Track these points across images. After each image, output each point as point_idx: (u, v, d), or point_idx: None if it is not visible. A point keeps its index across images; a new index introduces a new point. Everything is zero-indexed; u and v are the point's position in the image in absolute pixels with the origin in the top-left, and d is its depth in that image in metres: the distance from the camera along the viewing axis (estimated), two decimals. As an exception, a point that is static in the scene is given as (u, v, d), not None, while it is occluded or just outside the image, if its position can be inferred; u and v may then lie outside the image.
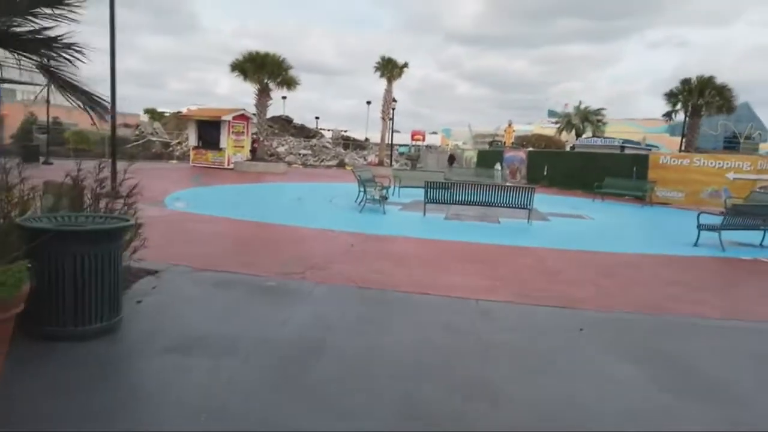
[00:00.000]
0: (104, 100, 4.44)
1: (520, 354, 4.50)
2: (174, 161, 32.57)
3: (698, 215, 10.30)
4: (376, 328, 4.85)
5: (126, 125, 44.45)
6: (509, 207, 12.75)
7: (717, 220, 10.42)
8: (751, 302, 6.63)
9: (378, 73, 31.20)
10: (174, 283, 5.88)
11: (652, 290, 6.85)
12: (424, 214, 12.90)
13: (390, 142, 35.14)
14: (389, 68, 30.76)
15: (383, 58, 30.84)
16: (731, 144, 64.45)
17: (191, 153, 29.31)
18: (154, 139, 37.89)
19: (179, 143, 36.71)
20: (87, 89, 4.35)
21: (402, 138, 59.87)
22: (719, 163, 18.15)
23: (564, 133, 43.88)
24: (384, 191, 13.94)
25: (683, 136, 26.54)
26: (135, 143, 35.39)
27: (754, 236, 10.70)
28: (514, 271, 7.50)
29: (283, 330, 4.63)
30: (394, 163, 36.76)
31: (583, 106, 42.37)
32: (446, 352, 4.41)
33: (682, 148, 27.46)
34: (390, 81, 31.21)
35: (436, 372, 3.99)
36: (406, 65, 31.12)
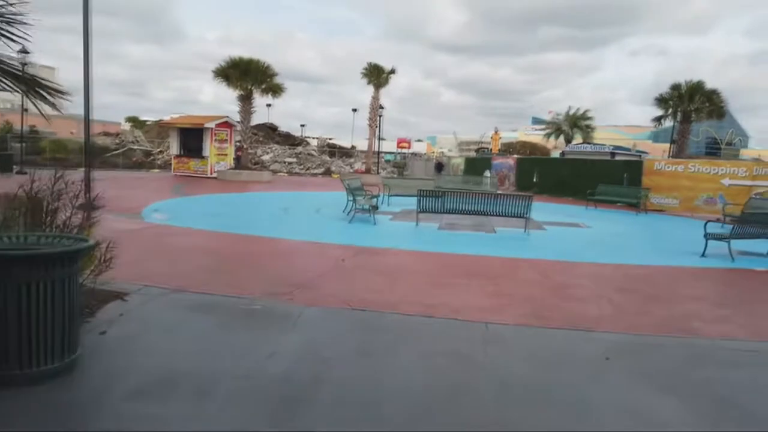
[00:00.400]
0: (52, 83, 3.76)
1: (542, 389, 3.91)
2: (155, 170, 31.69)
3: (705, 224, 9.84)
4: (376, 361, 4.23)
5: (106, 134, 43.46)
6: (505, 216, 12.23)
7: (718, 228, 10.03)
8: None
9: (365, 80, 30.71)
10: (145, 308, 5.22)
11: (671, 307, 6.32)
12: (417, 223, 12.33)
13: (377, 149, 34.60)
14: (376, 75, 30.26)
15: (370, 65, 30.36)
16: (712, 150, 65.05)
17: (173, 162, 28.50)
18: (135, 147, 36.94)
19: (161, 152, 35.83)
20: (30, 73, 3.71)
21: (388, 146, 59.53)
22: (714, 169, 17.83)
23: (552, 139, 43.69)
24: (374, 200, 13.38)
25: (672, 141, 26.36)
26: (115, 152, 34.46)
27: (756, 245, 10.27)
28: (520, 287, 6.93)
29: (269, 365, 4.00)
30: (381, 170, 36.22)
31: (572, 112, 42.22)
32: (460, 389, 3.82)
33: (672, 153, 27.30)
34: (377, 88, 30.71)
35: (452, 415, 3.39)
36: (393, 71, 30.67)
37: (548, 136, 43.45)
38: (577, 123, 40.82)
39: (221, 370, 3.85)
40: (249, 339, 4.57)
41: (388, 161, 48.59)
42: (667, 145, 42.27)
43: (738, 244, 9.98)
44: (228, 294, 5.76)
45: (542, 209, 15.97)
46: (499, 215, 12.33)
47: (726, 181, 17.28)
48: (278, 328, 4.88)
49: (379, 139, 34.50)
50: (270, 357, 4.13)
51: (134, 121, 56.65)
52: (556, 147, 43.18)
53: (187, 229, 10.32)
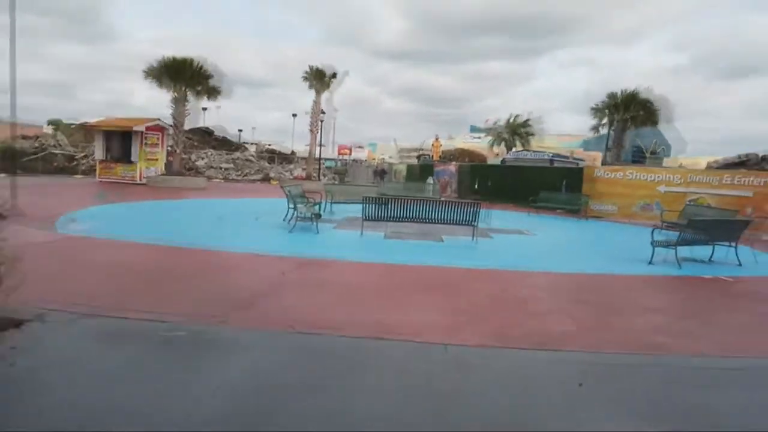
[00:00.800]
0: None
1: (516, 423, 3.42)
2: (78, 176, 29.57)
3: (653, 231, 9.82)
4: (327, 397, 3.61)
5: (24, 137, 40.42)
6: (453, 224, 11.86)
7: (660, 234, 10.07)
8: (740, 332, 5.95)
9: (306, 84, 29.93)
10: (46, 338, 4.36)
11: (633, 321, 6.04)
12: (362, 232, 11.75)
13: (319, 155, 33.84)
14: (318, 79, 29.55)
15: (312, 68, 29.63)
16: (638, 158, 68.15)
17: (98, 167, 26.62)
18: (57, 151, 34.40)
19: (85, 156, 33.54)
20: None
21: (329, 152, 58.84)
22: (651, 176, 18.28)
23: (495, 146, 44.41)
24: (316, 208, 12.72)
25: (608, 149, 27.15)
26: (33, 156, 31.94)
27: (698, 251, 10.32)
28: (476, 302, 6.47)
29: (197, 409, 3.29)
30: (322, 177, 35.45)
31: (512, 120, 43.06)
32: (427, 425, 3.27)
33: (606, 161, 28.07)
34: (318, 92, 30.00)
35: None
36: (335, 75, 30.07)
37: (491, 144, 44.15)
38: (517, 131, 41.67)
39: (138, 418, 3.12)
40: (174, 374, 3.83)
41: (328, 168, 47.88)
42: (598, 153, 43.74)
43: (682, 251, 10.01)
44: (150, 318, 4.97)
45: (486, 216, 15.79)
46: (447, 223, 11.96)
47: (662, 188, 17.72)
48: (209, 361, 4.16)
49: (320, 145, 33.78)
50: (197, 401, 3.43)
51: (58, 124, 53.08)
52: (498, 155, 43.88)
53: (107, 241, 9.27)
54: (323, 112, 31.22)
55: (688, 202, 16.35)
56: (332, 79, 29.94)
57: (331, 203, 15.87)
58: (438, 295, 6.70)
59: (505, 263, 9.31)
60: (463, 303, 6.35)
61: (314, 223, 12.09)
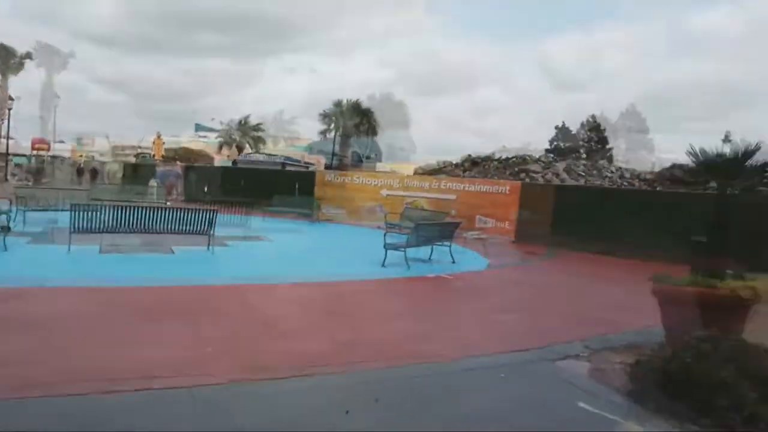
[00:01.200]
0: None
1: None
2: None
3: (384, 234, 10.41)
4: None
5: None
6: (186, 233, 10.71)
7: (392, 237, 10.82)
8: (467, 330, 6.51)
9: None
10: None
11: (383, 329, 6.11)
12: (70, 247, 9.68)
13: (6, 150, 27.73)
14: (5, 59, 24.14)
15: (-8, 43, 24.06)
16: (356, 163, 74.62)
17: None
18: None
19: None
20: None
21: (18, 147, 48.95)
22: (375, 181, 19.80)
23: (225, 148, 43.02)
24: (3, 218, 10.13)
25: (334, 154, 28.67)
26: None
27: (420, 251, 11.33)
28: (223, 326, 5.74)
29: None
30: (10, 177, 29.18)
31: (243, 122, 42.27)
32: None
33: (331, 165, 29.64)
34: (5, 75, 24.53)
35: None
36: (29, 56, 24.98)
37: (221, 145, 42.70)
38: (248, 133, 41.12)
39: None
40: None
41: (18, 165, 39.76)
42: (320, 157, 46.19)
43: (408, 252, 10.87)
44: None
45: (218, 221, 14.88)
46: (178, 233, 10.73)
47: (384, 192, 19.34)
48: None
49: (7, 138, 27.72)
50: None
51: None
52: (228, 156, 42.64)
53: None
54: (11, 99, 25.69)
55: (406, 205, 18.12)
56: (25, 60, 24.88)
57: (25, 211, 12.92)
58: (176, 322, 5.76)
59: (246, 275, 8.73)
60: (207, 330, 5.56)
61: (1, 238, 9.53)
